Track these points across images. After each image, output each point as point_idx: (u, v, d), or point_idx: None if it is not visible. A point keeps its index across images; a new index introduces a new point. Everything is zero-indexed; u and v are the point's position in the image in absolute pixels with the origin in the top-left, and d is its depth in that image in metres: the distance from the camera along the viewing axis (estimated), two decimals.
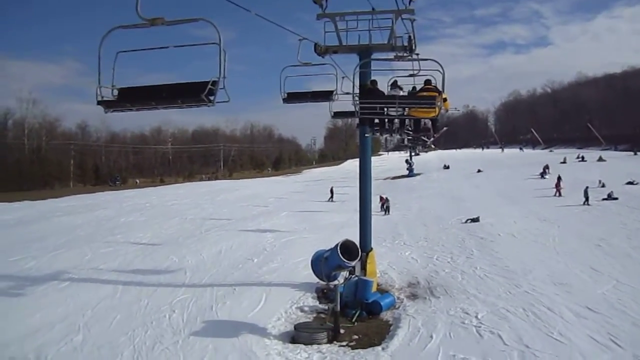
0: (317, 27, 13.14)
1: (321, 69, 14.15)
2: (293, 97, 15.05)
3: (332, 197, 41.76)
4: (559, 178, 35.96)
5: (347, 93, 13.93)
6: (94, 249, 21.31)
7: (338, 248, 11.00)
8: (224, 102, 6.99)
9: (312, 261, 11.99)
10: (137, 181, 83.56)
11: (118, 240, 23.55)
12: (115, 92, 7.36)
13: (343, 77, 14.20)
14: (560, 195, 32.98)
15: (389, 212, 31.38)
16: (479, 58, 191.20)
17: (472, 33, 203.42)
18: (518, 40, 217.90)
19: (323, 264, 11.44)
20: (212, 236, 24.25)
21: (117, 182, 79.30)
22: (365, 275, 13.61)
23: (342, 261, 10.98)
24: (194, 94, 6.85)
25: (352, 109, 14.31)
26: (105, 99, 7.27)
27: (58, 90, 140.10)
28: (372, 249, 14.69)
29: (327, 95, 14.72)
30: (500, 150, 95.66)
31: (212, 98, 6.88)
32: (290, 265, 17.71)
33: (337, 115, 15.71)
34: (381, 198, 32.89)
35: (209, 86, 6.75)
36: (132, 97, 7.42)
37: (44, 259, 19.70)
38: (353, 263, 11.32)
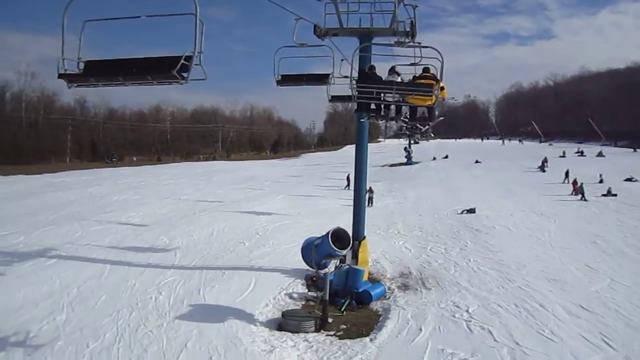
0: (318, 10, 12.73)
1: (318, 51, 13.58)
2: (288, 80, 14.45)
3: (348, 185, 36.43)
4: (567, 173, 36.03)
5: (345, 76, 13.53)
6: (84, 227, 21.06)
7: (329, 236, 10.76)
8: (200, 79, 6.38)
9: (302, 248, 11.76)
10: (134, 159, 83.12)
11: (110, 218, 23.29)
12: (82, 66, 6.78)
13: (342, 60, 13.77)
14: (577, 194, 30.52)
15: (372, 203, 28.12)
16: (482, 48, 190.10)
17: (475, 23, 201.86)
18: (521, 32, 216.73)
19: (313, 251, 11.19)
20: (205, 218, 24.00)
21: (114, 159, 78.74)
22: (356, 263, 13.41)
23: (332, 249, 10.75)
24: (164, 69, 6.20)
25: (350, 93, 14.02)
26: (68, 72, 6.71)
27: (55, 63, 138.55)
28: (364, 237, 14.48)
29: (323, 79, 14.16)
30: (500, 142, 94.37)
31: (185, 75, 6.25)
32: (282, 250, 17.49)
33: (334, 99, 15.25)
34: (369, 188, 30.66)
35: (182, 61, 6.07)
36: (98, 72, 6.78)
37: (34, 234, 19.45)
38: (344, 252, 11.09)
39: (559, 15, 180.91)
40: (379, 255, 17.06)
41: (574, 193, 31.33)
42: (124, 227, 21.39)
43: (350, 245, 11.41)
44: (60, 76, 6.68)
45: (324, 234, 11.09)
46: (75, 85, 6.97)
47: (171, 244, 18.47)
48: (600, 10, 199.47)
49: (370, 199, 28.16)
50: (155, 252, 17.22)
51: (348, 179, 37.31)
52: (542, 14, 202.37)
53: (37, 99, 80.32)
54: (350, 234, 11.85)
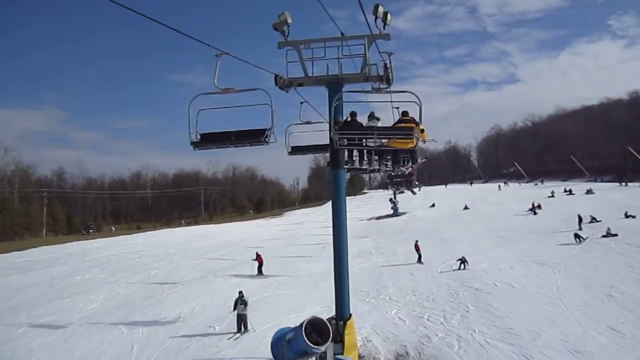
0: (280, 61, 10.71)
1: (253, 99, 9.38)
2: (209, 140, 10.24)
3: (420, 258, 26.80)
4: (580, 219, 32.35)
5: (307, 122, 12.45)
6: (32, 318, 18.43)
7: (303, 329, 8.55)
8: None
9: (272, 344, 9.50)
10: (113, 229, 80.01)
11: (65, 305, 20.57)
12: None
13: (302, 103, 12.23)
14: None
15: (245, 327, 15.60)
16: (453, 96, 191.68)
17: (444, 72, 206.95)
18: (489, 78, 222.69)
19: (285, 348, 8.95)
20: (173, 296, 21.42)
21: (91, 231, 75.65)
22: (342, 350, 11.11)
23: (308, 346, 8.53)
24: None
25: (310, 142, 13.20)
26: None
27: (38, 136, 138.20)
28: (351, 315, 12.22)
29: (257, 136, 9.96)
30: (493, 186, 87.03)
31: None
32: (257, 334, 15.07)
33: (295, 150, 13.19)
34: (258, 256, 27.41)
35: None
36: None
37: None
38: (323, 348, 8.85)
39: (521, 60, 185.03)
40: (369, 331, 14.80)
41: None
42: (79, 315, 18.72)
43: (331, 338, 9.18)
44: None
45: (297, 324, 8.90)
46: None
47: (129, 334, 15.93)
48: (560, 53, 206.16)
49: (243, 321, 15.74)
50: (108, 348, 14.72)
51: (417, 248, 27.47)
52: (506, 60, 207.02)
53: (12, 173, 78.08)
54: (333, 317, 9.73)
